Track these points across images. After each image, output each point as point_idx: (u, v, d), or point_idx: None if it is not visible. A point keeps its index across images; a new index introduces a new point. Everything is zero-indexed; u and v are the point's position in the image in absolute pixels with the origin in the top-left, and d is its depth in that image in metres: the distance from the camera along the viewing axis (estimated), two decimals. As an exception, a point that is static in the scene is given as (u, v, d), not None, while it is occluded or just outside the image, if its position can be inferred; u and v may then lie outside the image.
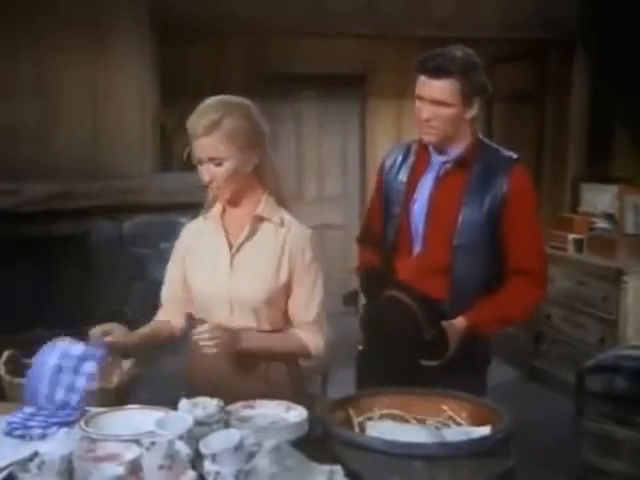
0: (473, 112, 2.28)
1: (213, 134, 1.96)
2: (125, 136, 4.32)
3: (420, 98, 2.26)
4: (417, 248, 2.36)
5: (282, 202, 2.11)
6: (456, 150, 2.31)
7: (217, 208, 2.11)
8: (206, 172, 2.00)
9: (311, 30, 4.97)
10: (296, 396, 1.97)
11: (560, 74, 5.35)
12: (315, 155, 6.36)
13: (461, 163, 2.31)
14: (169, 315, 2.20)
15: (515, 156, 2.36)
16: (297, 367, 2.18)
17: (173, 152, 4.41)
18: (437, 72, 2.21)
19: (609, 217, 4.84)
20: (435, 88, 2.22)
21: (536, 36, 5.16)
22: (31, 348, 2.28)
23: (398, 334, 2.19)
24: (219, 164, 1.99)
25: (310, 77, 5.96)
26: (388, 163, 2.47)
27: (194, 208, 2.27)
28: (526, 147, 5.64)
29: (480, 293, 2.29)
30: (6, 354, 2.11)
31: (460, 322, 2.26)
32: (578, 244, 4.80)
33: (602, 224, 4.86)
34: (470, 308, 2.27)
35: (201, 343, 1.94)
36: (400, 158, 2.44)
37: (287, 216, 2.09)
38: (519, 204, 2.26)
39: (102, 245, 4.22)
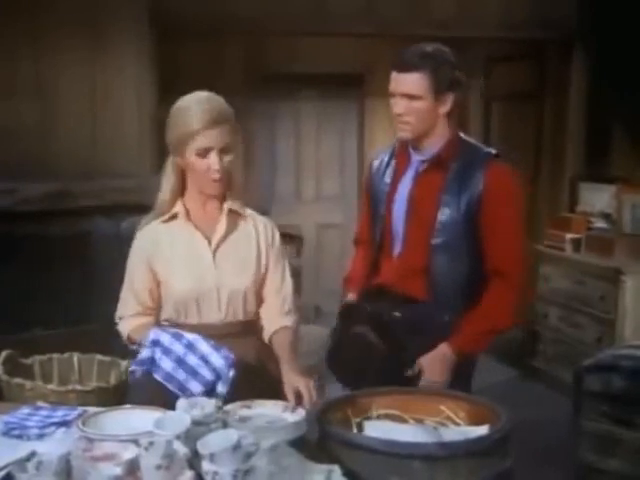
0: (447, 107, 2.27)
1: (224, 123, 2.01)
2: (123, 136, 4.31)
3: (392, 94, 2.28)
4: (397, 248, 2.36)
5: (240, 197, 2.17)
6: (433, 148, 2.30)
7: (180, 209, 2.12)
8: (216, 162, 2.00)
9: (310, 30, 4.97)
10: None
11: (559, 74, 5.35)
12: (313, 155, 6.36)
13: (438, 161, 2.30)
14: (139, 325, 2.12)
15: (494, 152, 2.34)
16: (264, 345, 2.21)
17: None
18: (406, 66, 2.23)
19: (607, 217, 4.84)
20: (404, 81, 2.24)
21: (535, 36, 5.16)
22: (29, 348, 2.28)
23: (363, 374, 2.19)
24: (228, 152, 2.02)
25: (309, 77, 5.96)
26: (375, 164, 2.49)
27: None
28: (524, 147, 5.64)
29: (461, 293, 2.26)
30: (4, 354, 2.11)
31: (443, 350, 2.21)
32: (576, 244, 4.80)
33: (600, 224, 4.86)
34: (456, 327, 2.22)
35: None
36: (386, 159, 2.45)
37: (249, 210, 2.18)
38: (495, 201, 2.23)
39: (100, 245, 4.21)
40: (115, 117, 4.32)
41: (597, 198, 4.95)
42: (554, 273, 4.87)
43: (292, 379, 1.93)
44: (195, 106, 2.01)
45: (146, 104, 4.35)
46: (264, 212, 2.28)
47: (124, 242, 4.29)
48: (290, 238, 5.28)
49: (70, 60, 4.22)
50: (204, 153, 2.01)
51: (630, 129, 4.90)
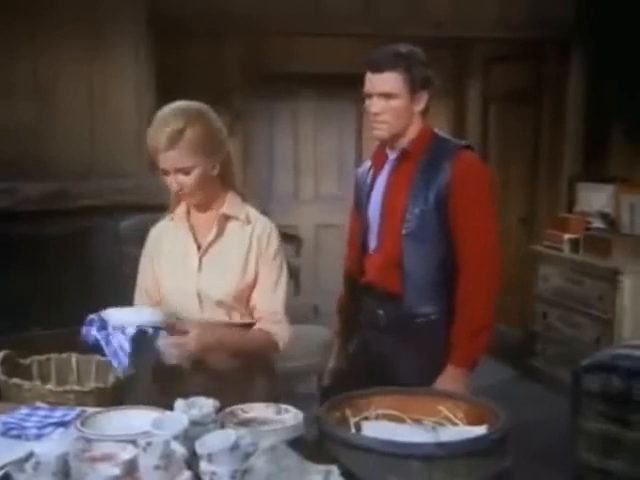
0: (421, 105, 2.31)
1: (178, 145, 1.98)
2: (121, 136, 4.31)
3: (368, 95, 2.31)
4: (373, 244, 2.40)
5: (245, 199, 2.16)
6: (404, 145, 2.34)
7: (181, 209, 2.16)
8: (174, 182, 2.04)
9: (308, 30, 4.97)
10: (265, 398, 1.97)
11: (556, 74, 5.35)
12: (311, 155, 6.36)
13: (407, 155, 2.33)
14: None
15: (463, 143, 2.37)
16: (270, 377, 2.19)
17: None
18: (381, 66, 2.26)
19: (605, 217, 4.84)
20: (380, 81, 2.27)
21: (533, 36, 5.17)
22: (28, 348, 2.28)
23: None
24: (187, 173, 2.02)
25: (307, 77, 5.96)
26: (360, 170, 2.55)
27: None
28: (522, 147, 5.64)
29: (436, 285, 2.28)
30: (2, 354, 2.10)
31: (450, 372, 2.23)
32: (574, 244, 4.81)
33: (598, 224, 4.87)
34: (449, 349, 2.24)
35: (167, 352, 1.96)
36: (369, 164, 2.50)
37: (252, 212, 2.14)
38: (461, 191, 2.25)
39: (98, 245, 4.21)
40: (113, 117, 4.32)
41: (595, 198, 4.95)
42: (552, 273, 4.88)
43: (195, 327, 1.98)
44: (158, 126, 2.01)
45: (144, 104, 4.34)
46: (261, 212, 2.27)
47: (122, 242, 4.33)
48: (289, 238, 5.29)
49: (68, 60, 4.22)
50: (165, 172, 2.05)
51: (628, 129, 4.90)
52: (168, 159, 2.00)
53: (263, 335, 2.11)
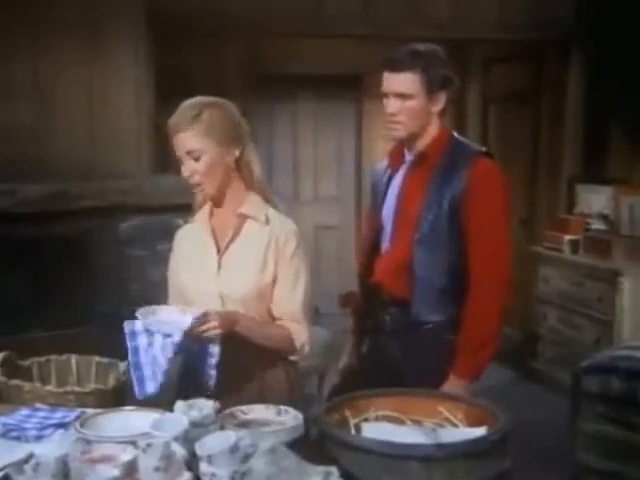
0: (440, 106, 2.28)
1: (191, 127, 2.01)
2: (121, 137, 4.31)
3: (385, 94, 2.28)
4: (385, 245, 2.38)
5: (268, 200, 2.14)
6: (423, 146, 2.32)
7: (205, 210, 2.15)
8: (186, 169, 2.05)
9: (308, 31, 4.97)
10: (292, 398, 1.99)
11: (556, 75, 5.36)
12: (311, 156, 6.36)
13: (424, 158, 2.31)
14: None
15: (483, 149, 2.34)
16: (294, 369, 2.18)
17: (169, 153, 4.40)
18: (398, 65, 2.23)
19: (605, 218, 4.85)
20: (397, 81, 2.23)
21: (532, 37, 5.17)
22: (28, 350, 2.28)
23: None
24: (197, 158, 2.03)
25: (307, 78, 5.96)
26: (376, 169, 2.51)
27: (190, 209, 2.28)
28: (522, 148, 5.65)
29: (444, 291, 2.26)
30: (2, 356, 2.10)
31: (453, 383, 2.21)
32: (574, 245, 4.81)
33: (598, 225, 4.87)
34: (453, 361, 2.23)
35: (200, 330, 1.90)
36: (386, 162, 2.48)
37: (273, 213, 2.11)
38: (477, 199, 2.22)
39: (98, 246, 4.20)
40: (113, 118, 4.32)
41: (595, 199, 4.96)
42: (553, 274, 4.88)
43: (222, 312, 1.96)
44: (178, 112, 2.05)
45: (144, 105, 4.35)
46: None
47: (122, 243, 4.32)
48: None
49: (68, 61, 4.22)
50: (180, 160, 2.06)
51: (627, 130, 4.90)
52: (181, 141, 2.02)
53: (281, 329, 2.08)
